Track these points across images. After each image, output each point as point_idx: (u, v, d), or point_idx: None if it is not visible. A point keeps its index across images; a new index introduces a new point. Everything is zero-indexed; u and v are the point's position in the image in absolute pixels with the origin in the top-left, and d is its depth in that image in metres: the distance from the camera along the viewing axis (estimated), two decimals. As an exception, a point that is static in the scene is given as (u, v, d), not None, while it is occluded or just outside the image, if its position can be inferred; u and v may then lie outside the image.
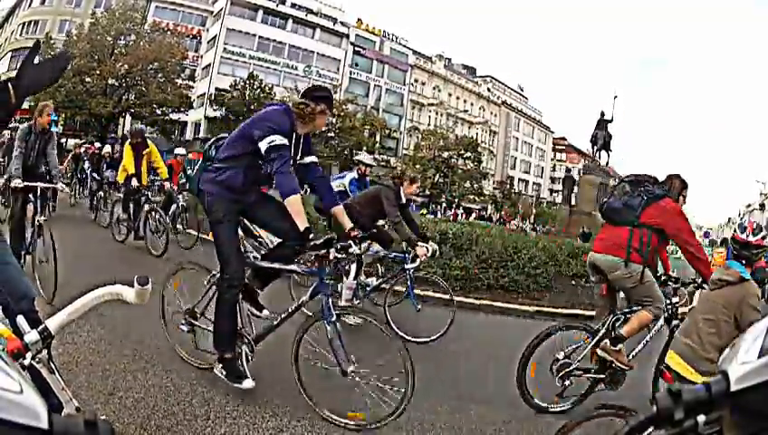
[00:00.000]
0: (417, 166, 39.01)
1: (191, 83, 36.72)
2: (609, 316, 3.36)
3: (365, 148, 38.43)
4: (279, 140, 2.67)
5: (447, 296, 4.87)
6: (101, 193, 9.68)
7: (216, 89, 36.82)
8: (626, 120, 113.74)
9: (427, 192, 39.62)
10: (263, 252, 4.55)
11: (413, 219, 4.92)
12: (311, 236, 2.61)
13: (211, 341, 2.90)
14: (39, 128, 4.84)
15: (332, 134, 36.69)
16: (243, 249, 6.11)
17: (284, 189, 2.67)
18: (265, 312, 2.98)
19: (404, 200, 4.76)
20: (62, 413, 0.90)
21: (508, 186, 50.83)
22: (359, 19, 46.61)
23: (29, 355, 0.84)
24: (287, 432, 2.53)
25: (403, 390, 2.56)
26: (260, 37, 41.42)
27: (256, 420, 2.59)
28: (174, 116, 33.94)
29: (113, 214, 7.73)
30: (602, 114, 24.83)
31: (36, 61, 1.69)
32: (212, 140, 3.07)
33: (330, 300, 2.69)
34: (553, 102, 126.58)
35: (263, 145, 2.67)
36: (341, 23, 45.21)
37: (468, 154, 40.28)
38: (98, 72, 29.44)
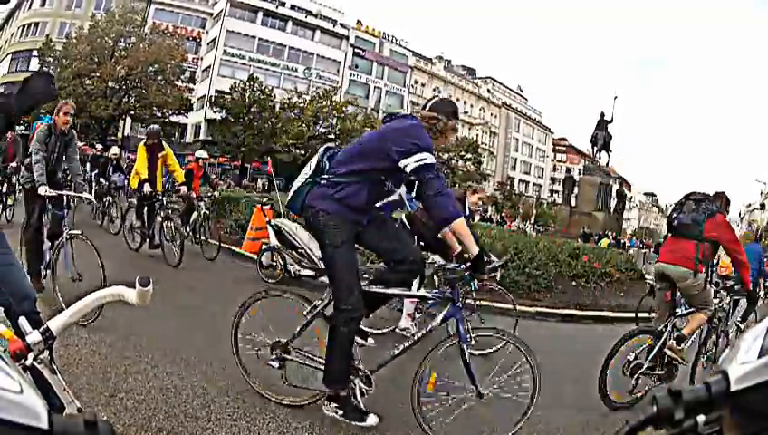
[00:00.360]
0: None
1: (191, 85, 36.81)
2: (669, 319, 3.77)
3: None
4: (430, 158, 2.40)
5: (510, 306, 4.83)
6: (109, 198, 9.33)
7: (216, 91, 36.86)
8: (626, 121, 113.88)
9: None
10: (305, 264, 4.68)
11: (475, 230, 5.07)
12: (486, 259, 2.51)
13: (306, 376, 2.77)
14: (59, 129, 4.37)
15: (333, 136, 36.73)
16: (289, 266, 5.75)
17: (448, 213, 2.41)
18: (370, 340, 2.84)
19: (468, 211, 4.78)
20: (63, 414, 0.90)
21: (509, 187, 50.84)
22: (358, 21, 46.76)
23: (30, 356, 0.84)
24: (288, 434, 2.54)
25: (530, 396, 2.62)
26: (260, 39, 41.52)
27: (257, 422, 2.59)
28: (174, 118, 34.01)
29: (126, 221, 7.42)
30: (602, 115, 24.89)
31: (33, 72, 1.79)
32: (322, 149, 2.73)
33: (465, 323, 2.59)
34: (553, 103, 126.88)
35: (409, 163, 2.40)
36: (341, 24, 45.30)
37: (469, 155, 40.30)
38: (98, 74, 29.48)
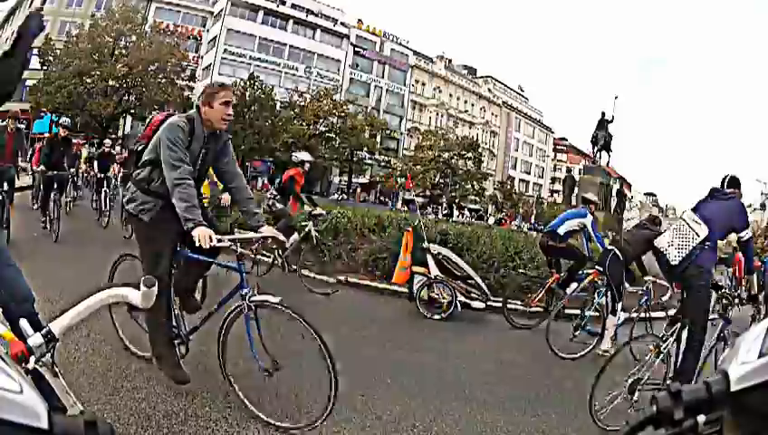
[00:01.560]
0: (418, 166, 38.98)
1: (192, 84, 36.75)
2: None
3: (366, 148, 38.50)
4: (751, 231, 3.49)
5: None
6: None
7: (217, 90, 36.78)
8: (626, 121, 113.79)
9: (428, 193, 39.62)
10: (475, 295, 5.85)
11: None
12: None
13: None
14: (210, 127, 2.74)
15: (333, 135, 36.69)
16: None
17: (752, 270, 4.08)
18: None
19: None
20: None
21: (509, 186, 50.77)
22: (359, 20, 46.69)
23: (32, 359, 0.83)
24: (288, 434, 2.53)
25: None
26: (260, 38, 41.48)
27: (257, 422, 2.58)
28: (174, 117, 33.99)
29: None
30: (603, 115, 24.82)
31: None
32: (698, 216, 3.53)
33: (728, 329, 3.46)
34: (554, 103, 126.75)
35: (745, 235, 3.53)
36: (342, 23, 45.25)
37: (469, 155, 40.27)
38: (98, 72, 29.48)
